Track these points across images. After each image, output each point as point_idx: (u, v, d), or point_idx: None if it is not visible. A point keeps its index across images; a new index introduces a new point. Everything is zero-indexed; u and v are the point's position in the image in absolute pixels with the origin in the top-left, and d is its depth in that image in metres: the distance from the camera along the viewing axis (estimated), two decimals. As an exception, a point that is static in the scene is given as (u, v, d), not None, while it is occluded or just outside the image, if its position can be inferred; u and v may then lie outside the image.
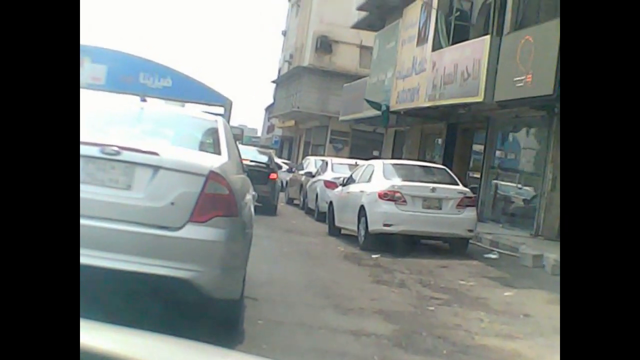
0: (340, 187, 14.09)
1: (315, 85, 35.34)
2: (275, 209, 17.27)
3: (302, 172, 21.68)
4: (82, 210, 2.81)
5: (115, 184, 4.45)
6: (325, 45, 36.13)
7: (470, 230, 11.84)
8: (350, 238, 12.96)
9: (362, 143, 35.25)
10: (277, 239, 12.27)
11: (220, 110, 38.61)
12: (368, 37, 31.34)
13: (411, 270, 9.83)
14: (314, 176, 18.60)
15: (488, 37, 14.54)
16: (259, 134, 64.82)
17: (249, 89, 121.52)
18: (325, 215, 16.44)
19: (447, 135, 19.83)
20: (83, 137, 3.42)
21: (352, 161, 18.66)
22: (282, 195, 20.87)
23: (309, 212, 18.67)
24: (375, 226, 11.71)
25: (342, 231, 13.66)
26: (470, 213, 11.81)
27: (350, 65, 35.57)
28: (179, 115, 6.32)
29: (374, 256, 11.19)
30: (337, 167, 17.67)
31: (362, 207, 12.10)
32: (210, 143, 5.29)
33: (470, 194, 12.34)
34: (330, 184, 16.66)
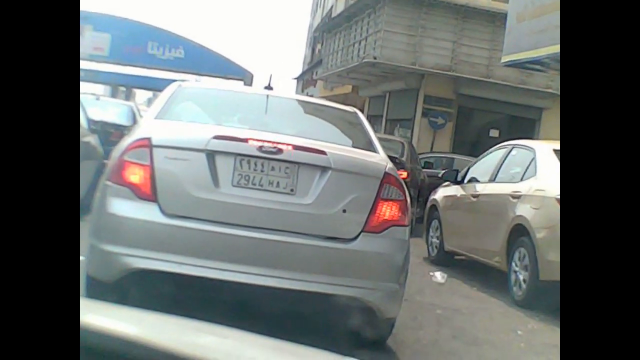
0: None
1: (403, 22, 21.37)
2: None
3: (491, 183, 8.10)
4: (235, 218, 3.68)
5: (275, 187, 3.91)
6: (418, -43, 22.17)
7: None
8: None
9: (467, 119, 22.42)
10: None
11: (240, 84, 29.97)
12: None
13: None
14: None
15: None
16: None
17: (272, 60, 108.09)
18: None
19: None
20: (232, 133, 3.93)
21: None
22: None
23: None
24: None
25: None
26: None
27: (458, -11, 21.70)
28: (311, 106, 5.56)
29: None
30: None
31: None
32: (359, 139, 4.64)
33: None
34: None
